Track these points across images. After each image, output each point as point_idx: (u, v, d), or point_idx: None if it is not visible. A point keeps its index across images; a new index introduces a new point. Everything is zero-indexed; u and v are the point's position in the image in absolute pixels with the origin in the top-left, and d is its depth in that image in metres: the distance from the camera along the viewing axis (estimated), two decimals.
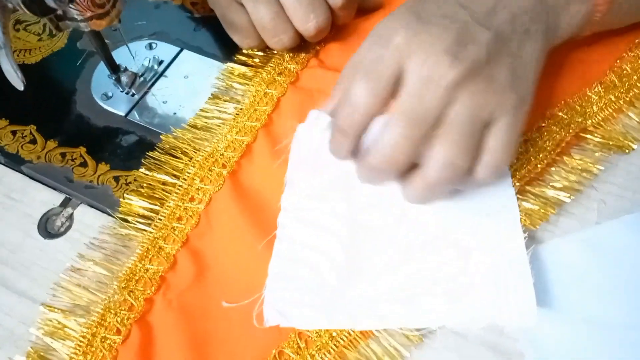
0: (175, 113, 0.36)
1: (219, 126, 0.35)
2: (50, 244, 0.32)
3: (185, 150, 0.34)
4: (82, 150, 0.35)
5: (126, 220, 0.31)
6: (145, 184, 0.32)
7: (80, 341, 0.27)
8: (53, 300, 0.29)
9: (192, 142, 0.34)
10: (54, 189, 0.34)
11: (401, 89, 0.23)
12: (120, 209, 0.32)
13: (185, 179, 0.32)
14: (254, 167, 0.33)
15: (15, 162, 0.35)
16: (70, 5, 0.28)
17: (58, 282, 0.30)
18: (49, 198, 0.34)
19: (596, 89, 0.33)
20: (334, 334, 0.26)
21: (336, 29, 0.37)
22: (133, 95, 0.37)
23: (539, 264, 0.27)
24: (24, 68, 0.39)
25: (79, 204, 0.33)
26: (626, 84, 0.33)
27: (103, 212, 0.33)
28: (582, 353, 0.25)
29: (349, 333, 0.26)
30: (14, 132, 0.36)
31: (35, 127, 0.36)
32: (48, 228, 0.32)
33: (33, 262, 0.31)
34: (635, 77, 0.33)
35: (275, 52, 0.37)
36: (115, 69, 0.36)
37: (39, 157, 0.35)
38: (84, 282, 0.30)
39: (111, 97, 0.37)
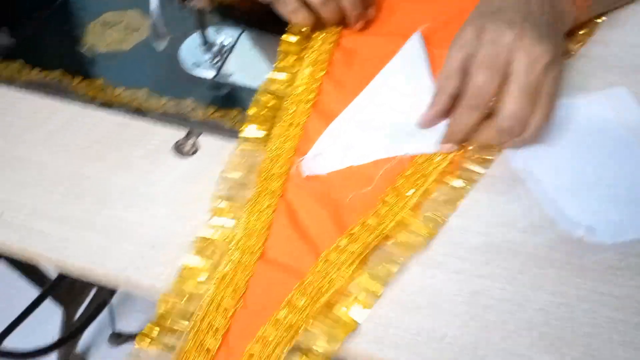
0: (257, 71, 0.50)
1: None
2: (185, 163, 0.44)
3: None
4: (190, 101, 0.47)
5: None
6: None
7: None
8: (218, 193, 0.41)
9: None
10: (177, 125, 0.46)
11: (512, 72, 0.37)
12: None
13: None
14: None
15: (139, 114, 0.47)
16: None
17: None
18: (175, 132, 0.46)
19: None
20: None
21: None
22: (217, 63, 0.50)
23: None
24: (122, 54, 0.52)
25: (200, 134, 0.45)
26: None
27: (221, 137, 0.45)
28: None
29: None
30: (131, 95, 0.48)
31: (147, 90, 0.48)
32: (179, 152, 0.44)
33: (171, 180, 0.43)
34: None
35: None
36: (207, 42, 0.49)
37: (157, 109, 0.47)
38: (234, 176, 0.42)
39: (200, 65, 0.50)
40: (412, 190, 0.39)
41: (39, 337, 0.97)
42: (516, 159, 0.41)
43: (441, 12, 0.51)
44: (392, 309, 0.35)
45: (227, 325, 0.35)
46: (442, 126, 0.41)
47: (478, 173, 0.41)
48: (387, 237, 0.38)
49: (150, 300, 0.37)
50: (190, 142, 0.45)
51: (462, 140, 0.41)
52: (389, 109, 0.44)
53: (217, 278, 0.36)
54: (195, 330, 0.34)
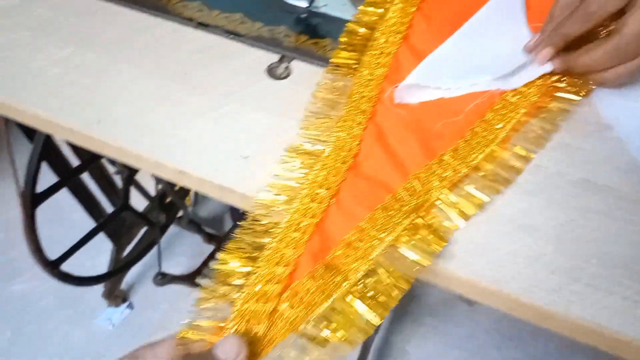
0: (346, 3, 0.50)
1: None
2: (278, 84, 0.45)
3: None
4: (283, 27, 0.48)
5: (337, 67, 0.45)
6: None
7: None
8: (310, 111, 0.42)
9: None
10: (270, 51, 0.47)
11: None
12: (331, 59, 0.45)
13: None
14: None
15: (234, 35, 0.48)
16: None
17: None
18: (268, 56, 0.47)
19: None
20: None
21: None
22: None
23: None
24: None
25: (293, 59, 0.46)
26: None
27: (311, 64, 0.46)
28: None
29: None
30: (227, 17, 0.49)
31: (242, 14, 0.49)
32: (272, 75, 0.45)
33: (264, 96, 0.44)
34: None
35: None
36: None
37: (252, 32, 0.48)
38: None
39: None
40: (501, 125, 0.39)
41: (90, 267, 1.01)
42: (606, 106, 0.40)
43: None
44: (487, 232, 0.35)
45: (324, 210, 0.36)
46: (536, 65, 0.41)
47: (569, 104, 0.40)
48: (476, 169, 0.38)
49: (237, 207, 0.39)
50: (283, 65, 0.46)
51: (559, 47, 0.40)
52: (485, 47, 0.44)
53: (309, 180, 0.38)
54: (293, 212, 0.36)
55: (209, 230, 1.14)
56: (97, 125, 0.42)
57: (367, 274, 0.34)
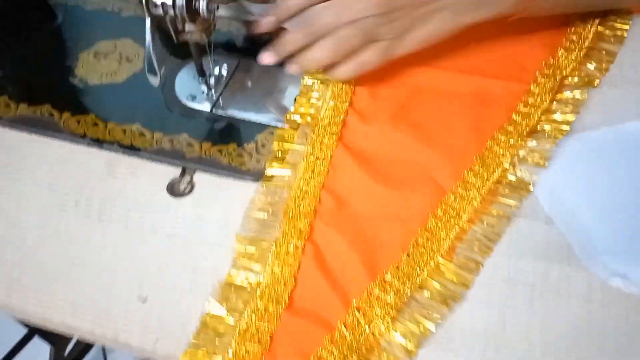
0: (255, 103, 0.48)
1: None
2: (179, 202, 0.41)
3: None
4: (185, 136, 0.45)
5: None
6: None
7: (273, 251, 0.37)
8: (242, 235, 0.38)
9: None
10: (171, 164, 0.44)
11: None
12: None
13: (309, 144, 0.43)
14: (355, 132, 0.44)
15: (131, 149, 0.44)
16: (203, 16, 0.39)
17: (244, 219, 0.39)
18: (168, 170, 0.43)
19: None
20: None
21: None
22: (213, 95, 0.48)
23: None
24: (113, 86, 0.50)
25: (195, 172, 0.43)
26: None
27: (216, 174, 0.43)
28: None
29: None
30: (123, 130, 0.46)
31: (140, 124, 0.46)
32: (174, 192, 0.42)
33: (164, 218, 0.40)
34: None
35: None
36: (203, 73, 0.47)
37: (151, 145, 0.45)
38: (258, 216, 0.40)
39: (195, 97, 0.48)
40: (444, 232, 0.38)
41: None
42: (544, 195, 0.39)
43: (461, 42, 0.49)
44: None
45: None
46: None
47: (510, 207, 0.39)
48: (421, 286, 0.36)
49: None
50: (186, 179, 0.43)
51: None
52: None
53: (240, 329, 0.34)
54: None
55: None
56: None
57: None
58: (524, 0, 0.42)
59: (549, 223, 0.38)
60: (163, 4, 0.37)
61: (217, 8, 0.40)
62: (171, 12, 0.37)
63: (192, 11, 0.38)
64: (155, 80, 0.40)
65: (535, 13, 0.45)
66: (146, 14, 0.37)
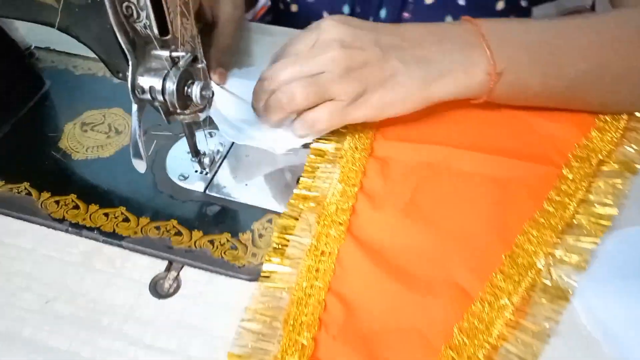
0: (246, 184, 0.43)
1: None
2: (164, 304, 0.36)
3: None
4: (174, 222, 0.40)
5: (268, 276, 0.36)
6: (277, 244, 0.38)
7: None
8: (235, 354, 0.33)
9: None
10: (156, 256, 0.39)
11: None
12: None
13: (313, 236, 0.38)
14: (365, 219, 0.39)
15: (114, 238, 0.40)
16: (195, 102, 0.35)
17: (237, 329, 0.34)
18: (152, 264, 0.38)
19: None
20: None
21: None
22: (207, 174, 0.44)
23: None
24: (99, 162, 0.45)
25: (182, 267, 0.38)
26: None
27: (206, 270, 0.38)
28: None
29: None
30: (106, 214, 0.41)
31: (125, 208, 0.41)
32: (158, 291, 0.37)
33: (150, 320, 0.35)
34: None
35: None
36: (197, 153, 0.43)
37: (136, 232, 0.40)
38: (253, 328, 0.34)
39: (187, 177, 0.44)
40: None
41: None
42: (585, 308, 0.33)
43: (481, 118, 0.45)
44: None
45: None
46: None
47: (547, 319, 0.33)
48: None
49: None
50: (172, 276, 0.38)
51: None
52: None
53: None
54: None
55: None
56: None
57: None
58: (492, 79, 0.39)
59: (591, 346, 0.32)
60: (151, 89, 0.32)
61: (212, 95, 0.36)
62: (160, 97, 0.32)
63: (183, 97, 0.33)
64: (141, 166, 0.36)
65: (505, 99, 0.42)
66: (132, 100, 0.33)
